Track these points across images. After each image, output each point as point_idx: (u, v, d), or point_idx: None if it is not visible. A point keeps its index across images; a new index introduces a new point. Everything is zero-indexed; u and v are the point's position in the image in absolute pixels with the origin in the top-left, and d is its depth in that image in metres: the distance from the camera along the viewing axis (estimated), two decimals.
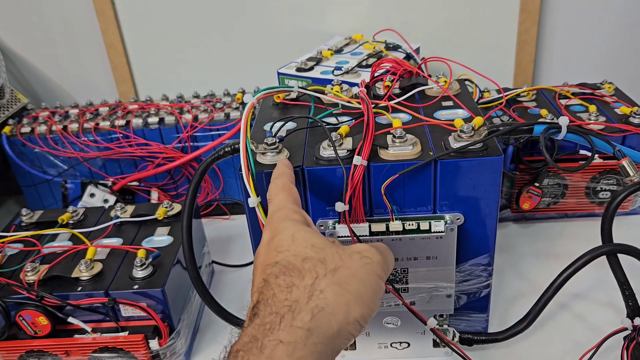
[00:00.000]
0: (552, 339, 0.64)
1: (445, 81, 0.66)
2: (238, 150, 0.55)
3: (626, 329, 0.56)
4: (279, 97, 0.67)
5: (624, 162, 0.52)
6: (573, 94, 0.88)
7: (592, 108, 0.81)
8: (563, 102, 0.85)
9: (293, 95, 0.68)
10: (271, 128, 0.59)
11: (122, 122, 0.88)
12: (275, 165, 0.53)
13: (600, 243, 0.59)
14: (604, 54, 1.05)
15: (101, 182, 0.89)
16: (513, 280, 0.74)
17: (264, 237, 0.42)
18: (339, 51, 0.91)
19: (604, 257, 0.58)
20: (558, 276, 0.59)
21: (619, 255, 0.58)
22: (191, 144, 0.87)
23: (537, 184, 0.77)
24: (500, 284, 0.73)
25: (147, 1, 1.02)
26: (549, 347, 0.64)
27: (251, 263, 0.81)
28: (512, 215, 0.85)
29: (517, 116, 0.82)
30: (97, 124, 0.89)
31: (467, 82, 0.79)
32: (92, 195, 0.88)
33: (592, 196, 0.80)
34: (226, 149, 0.56)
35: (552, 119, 0.80)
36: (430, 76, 0.77)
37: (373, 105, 0.61)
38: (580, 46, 1.04)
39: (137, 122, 0.88)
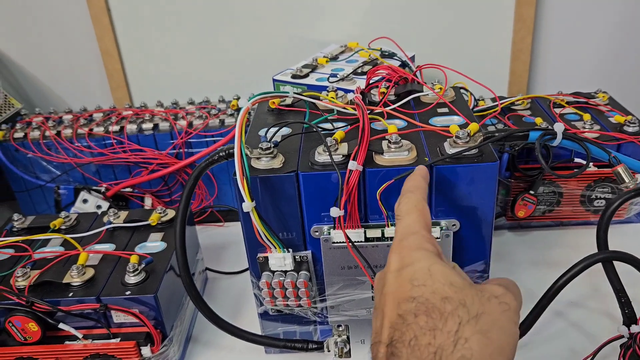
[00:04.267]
0: (548, 347, 0.64)
1: (440, 88, 0.66)
2: (232, 155, 0.54)
3: (622, 336, 0.56)
4: (274, 102, 0.67)
5: (620, 169, 0.52)
6: (567, 102, 0.88)
7: (587, 117, 0.81)
8: (557, 110, 0.86)
9: (288, 101, 0.68)
10: (266, 133, 0.59)
11: (116, 127, 0.88)
12: (270, 170, 0.53)
13: (595, 251, 0.59)
14: (598, 63, 1.06)
15: (94, 188, 0.88)
16: None
17: (391, 262, 0.39)
18: (334, 59, 0.91)
19: (599, 264, 0.58)
20: (554, 284, 0.58)
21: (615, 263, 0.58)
22: (185, 150, 0.86)
23: (532, 192, 0.77)
24: None
25: (142, 8, 1.02)
26: (545, 355, 0.63)
27: (245, 270, 0.81)
28: (508, 223, 0.84)
29: (512, 124, 0.82)
30: (91, 130, 0.88)
31: (462, 90, 0.79)
32: (85, 201, 0.87)
33: (587, 204, 0.80)
34: (220, 154, 0.56)
35: (547, 126, 0.80)
36: (425, 83, 0.77)
37: (368, 112, 0.61)
38: (575, 55, 1.05)
39: (131, 127, 0.88)
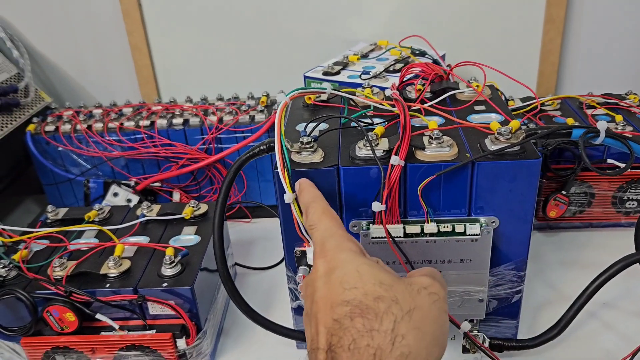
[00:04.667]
0: (583, 348, 0.64)
1: (478, 85, 0.66)
2: (273, 148, 0.55)
3: None
4: (310, 98, 0.67)
5: None
6: (598, 103, 0.87)
7: (619, 118, 0.81)
8: (589, 111, 0.85)
9: (324, 97, 0.68)
10: (305, 127, 0.59)
11: (146, 122, 0.89)
12: (311, 164, 0.53)
13: (626, 253, 0.58)
14: (628, 65, 1.05)
15: (124, 182, 0.89)
16: (540, 288, 0.74)
17: (318, 268, 0.40)
18: (364, 56, 0.91)
19: (632, 267, 0.57)
20: (591, 283, 0.58)
21: None
22: (215, 145, 0.87)
23: (564, 192, 0.77)
24: (527, 291, 0.72)
25: (173, 4, 1.03)
26: (581, 355, 0.63)
27: (274, 266, 0.81)
28: (537, 224, 0.84)
29: (544, 124, 0.82)
30: (122, 124, 0.89)
31: None
32: (115, 194, 0.88)
33: (619, 205, 0.79)
34: (261, 147, 0.56)
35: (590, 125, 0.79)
36: (463, 79, 0.77)
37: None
38: (604, 57, 1.04)
39: (161, 122, 0.88)
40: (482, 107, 0.64)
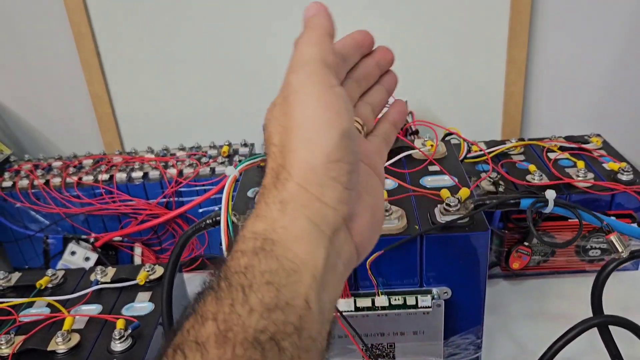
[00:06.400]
0: None
1: (431, 145, 0.66)
2: (219, 222, 0.53)
3: None
4: (264, 160, 0.66)
5: (612, 238, 0.51)
6: (560, 148, 0.87)
7: (580, 164, 0.81)
8: (552, 156, 0.85)
9: None
10: (254, 197, 0.58)
11: (105, 176, 0.87)
12: None
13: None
14: (592, 104, 1.05)
15: (83, 237, 0.87)
16: (503, 342, 0.72)
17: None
18: None
19: None
20: (548, 349, 0.57)
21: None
22: (176, 199, 0.85)
23: (526, 243, 0.76)
24: (490, 346, 0.71)
25: (132, 51, 1.01)
26: None
27: None
28: (502, 272, 0.83)
29: (505, 172, 0.82)
30: (80, 179, 0.87)
31: (454, 137, 0.79)
32: (73, 253, 0.85)
33: (582, 254, 0.79)
34: (207, 221, 0.55)
35: (541, 176, 0.79)
36: (418, 132, 0.77)
37: None
38: (568, 97, 1.04)
39: (120, 176, 0.87)
40: (437, 168, 0.63)
